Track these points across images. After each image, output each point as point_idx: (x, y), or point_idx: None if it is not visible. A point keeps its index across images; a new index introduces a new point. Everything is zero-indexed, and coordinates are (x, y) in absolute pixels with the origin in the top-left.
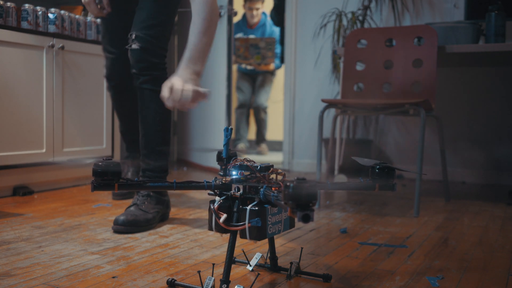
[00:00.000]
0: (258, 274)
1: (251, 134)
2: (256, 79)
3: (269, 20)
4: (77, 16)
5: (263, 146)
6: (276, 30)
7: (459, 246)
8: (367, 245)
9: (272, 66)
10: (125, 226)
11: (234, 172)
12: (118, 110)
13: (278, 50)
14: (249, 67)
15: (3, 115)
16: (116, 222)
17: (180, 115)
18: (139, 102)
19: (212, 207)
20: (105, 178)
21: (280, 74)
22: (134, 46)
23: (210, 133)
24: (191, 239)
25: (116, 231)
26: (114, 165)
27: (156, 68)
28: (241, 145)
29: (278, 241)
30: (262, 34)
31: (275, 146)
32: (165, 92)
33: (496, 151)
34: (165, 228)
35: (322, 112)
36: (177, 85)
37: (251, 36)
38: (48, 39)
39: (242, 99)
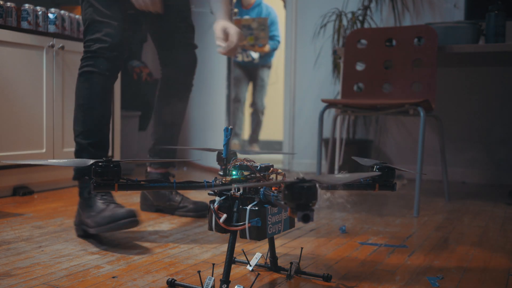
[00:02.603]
0: (258, 274)
1: (245, 132)
2: (255, 78)
3: (264, 2)
4: (77, 16)
5: (255, 146)
6: (272, 11)
7: (459, 246)
8: (367, 245)
9: (267, 48)
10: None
11: (234, 172)
12: (103, 98)
13: (276, 32)
14: (246, 59)
15: (3, 115)
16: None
17: None
18: (184, 98)
19: (212, 207)
20: (105, 178)
21: (280, 73)
22: (195, 51)
23: (210, 133)
24: (191, 239)
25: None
26: (114, 165)
27: None
28: (234, 142)
29: (278, 241)
30: (258, 14)
31: (275, 146)
32: (220, 36)
33: (496, 151)
34: (165, 228)
35: (322, 112)
36: (233, 28)
37: (245, 17)
38: (48, 39)
39: (237, 93)
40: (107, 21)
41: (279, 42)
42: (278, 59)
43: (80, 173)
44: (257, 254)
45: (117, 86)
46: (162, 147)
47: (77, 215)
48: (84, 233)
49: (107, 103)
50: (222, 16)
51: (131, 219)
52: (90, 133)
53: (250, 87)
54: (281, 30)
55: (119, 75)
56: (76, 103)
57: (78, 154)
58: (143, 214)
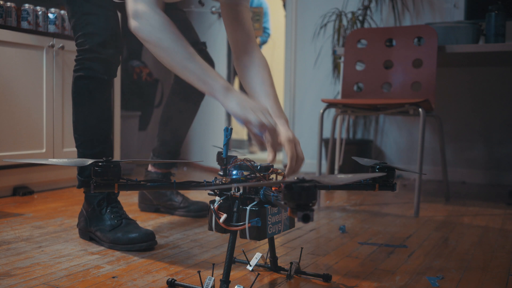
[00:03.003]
0: (258, 274)
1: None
2: None
3: None
4: None
5: (254, 145)
6: (264, 1)
7: (459, 246)
8: (367, 245)
9: (258, 41)
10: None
11: (234, 172)
12: (104, 105)
13: (267, 24)
14: None
15: (3, 115)
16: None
17: None
18: (197, 104)
19: (212, 207)
20: (105, 178)
21: (280, 73)
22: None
23: (210, 133)
24: (191, 239)
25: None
26: (114, 165)
27: None
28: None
29: (278, 241)
30: (249, 3)
31: None
32: (269, 142)
33: (496, 151)
34: (165, 228)
35: (322, 112)
36: (287, 132)
37: None
38: (48, 39)
39: None
40: (96, 13)
41: (269, 35)
42: (278, 57)
43: (84, 183)
44: (257, 254)
45: (117, 86)
46: (167, 149)
47: (82, 219)
48: (90, 240)
49: (108, 109)
50: (269, 102)
51: (150, 242)
52: (93, 143)
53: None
54: (281, 30)
55: (119, 73)
56: (74, 109)
57: (82, 167)
58: (143, 214)
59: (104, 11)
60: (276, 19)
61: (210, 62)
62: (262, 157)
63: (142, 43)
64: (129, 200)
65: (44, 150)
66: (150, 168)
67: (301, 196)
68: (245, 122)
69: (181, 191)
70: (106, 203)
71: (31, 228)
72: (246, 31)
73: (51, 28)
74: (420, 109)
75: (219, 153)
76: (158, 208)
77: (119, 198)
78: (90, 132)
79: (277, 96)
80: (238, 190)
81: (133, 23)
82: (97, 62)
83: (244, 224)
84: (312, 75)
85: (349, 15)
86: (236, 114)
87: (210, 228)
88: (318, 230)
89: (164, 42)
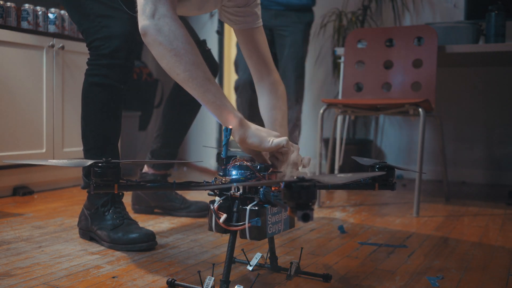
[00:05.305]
0: (258, 274)
1: None
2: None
3: None
4: None
5: None
6: None
7: (459, 246)
8: (367, 245)
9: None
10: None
11: (234, 172)
12: (117, 113)
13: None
14: None
15: (3, 115)
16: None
17: None
18: (197, 107)
19: (212, 207)
20: (104, 179)
21: None
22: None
23: (208, 132)
24: (191, 239)
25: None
26: (114, 165)
27: None
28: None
29: (278, 241)
30: None
31: None
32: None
33: (496, 151)
34: (165, 228)
35: (322, 112)
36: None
37: None
38: (48, 39)
39: (241, 78)
40: (112, 15)
41: None
42: None
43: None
44: (257, 254)
45: None
46: (167, 151)
47: (83, 218)
48: (91, 239)
49: (120, 117)
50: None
51: (150, 243)
52: (103, 149)
53: None
54: None
55: None
56: (84, 116)
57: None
58: (143, 215)
59: (120, 13)
60: None
61: (215, 65)
62: None
63: (149, 44)
64: (128, 200)
65: (44, 150)
66: (146, 169)
67: (301, 195)
68: (264, 150)
69: (180, 192)
70: (110, 204)
71: (31, 228)
72: (261, 55)
73: (51, 28)
74: (420, 109)
75: (219, 153)
76: (158, 209)
77: None
78: (100, 139)
79: (286, 125)
80: (238, 190)
81: (147, 23)
82: (115, 69)
83: (244, 224)
84: (312, 75)
85: (349, 15)
86: (256, 148)
87: (210, 228)
88: (318, 230)
89: (184, 54)
